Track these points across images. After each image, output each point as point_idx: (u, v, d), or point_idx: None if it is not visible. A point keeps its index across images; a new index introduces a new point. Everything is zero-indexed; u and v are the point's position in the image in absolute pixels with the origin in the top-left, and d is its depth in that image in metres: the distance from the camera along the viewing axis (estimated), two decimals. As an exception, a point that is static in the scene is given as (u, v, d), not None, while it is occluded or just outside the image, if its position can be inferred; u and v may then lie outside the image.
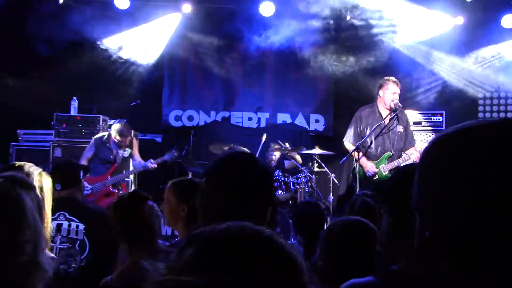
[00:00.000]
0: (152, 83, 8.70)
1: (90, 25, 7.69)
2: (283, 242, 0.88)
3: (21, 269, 1.50)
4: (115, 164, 6.40)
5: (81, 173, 4.26)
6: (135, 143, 6.68)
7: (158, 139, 8.50)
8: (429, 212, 0.92)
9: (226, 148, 7.05)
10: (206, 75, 8.75)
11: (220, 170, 1.69)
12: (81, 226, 3.60)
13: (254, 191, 1.65)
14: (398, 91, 6.05)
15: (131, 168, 6.81)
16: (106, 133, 6.55)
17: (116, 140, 6.40)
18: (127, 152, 6.53)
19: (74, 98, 7.72)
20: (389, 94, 6.03)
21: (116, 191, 6.33)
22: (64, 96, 7.82)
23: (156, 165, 6.46)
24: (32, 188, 1.68)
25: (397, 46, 8.25)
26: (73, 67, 8.25)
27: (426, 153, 0.97)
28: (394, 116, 6.03)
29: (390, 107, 6.01)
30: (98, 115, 7.37)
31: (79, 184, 3.85)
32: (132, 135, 6.79)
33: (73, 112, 7.64)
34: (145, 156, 7.44)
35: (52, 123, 7.42)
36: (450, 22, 7.93)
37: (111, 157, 6.42)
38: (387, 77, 6.18)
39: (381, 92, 6.10)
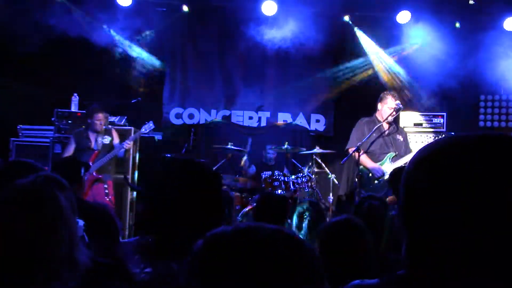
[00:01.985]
0: (153, 80, 8.71)
1: (91, 21, 7.71)
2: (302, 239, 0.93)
3: (59, 266, 1.54)
4: (95, 151, 6.48)
5: (82, 170, 4.30)
6: (115, 133, 6.79)
7: (159, 136, 8.47)
8: (416, 229, 0.95)
9: (227, 146, 7.10)
10: (207, 73, 8.75)
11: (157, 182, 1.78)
12: (81, 223, 3.61)
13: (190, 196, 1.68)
14: (395, 106, 6.17)
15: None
16: (83, 128, 6.69)
17: (95, 123, 6.50)
18: (107, 139, 6.59)
19: (75, 94, 7.75)
20: (386, 108, 6.24)
21: (101, 176, 6.37)
22: (65, 92, 7.85)
23: (131, 142, 6.61)
24: (66, 187, 1.73)
25: (397, 47, 8.27)
26: (73, 63, 8.28)
27: (407, 174, 0.99)
28: (392, 124, 6.22)
29: (387, 120, 6.13)
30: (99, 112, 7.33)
31: (80, 181, 3.89)
32: (111, 127, 6.91)
33: (74, 108, 7.66)
34: (145, 152, 7.50)
35: (52, 119, 7.44)
36: (452, 24, 7.96)
37: (89, 144, 6.51)
38: (387, 91, 6.40)
39: (379, 105, 6.32)
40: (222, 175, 7.24)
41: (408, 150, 6.32)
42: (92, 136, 6.59)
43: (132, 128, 7.45)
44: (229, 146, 7.17)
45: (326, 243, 2.18)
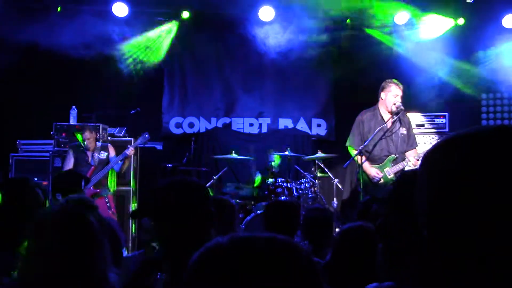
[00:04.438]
0: (152, 90, 8.73)
1: (88, 33, 7.72)
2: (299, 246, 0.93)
3: (96, 285, 1.62)
4: (92, 166, 6.48)
5: (82, 183, 4.30)
6: (112, 148, 6.79)
7: (159, 146, 8.51)
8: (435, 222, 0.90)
9: (229, 155, 7.09)
10: (206, 81, 8.77)
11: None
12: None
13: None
14: (400, 93, 6.02)
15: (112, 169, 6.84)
16: (79, 140, 6.66)
17: (85, 142, 6.56)
18: (103, 154, 6.62)
19: (73, 106, 7.76)
20: (390, 96, 6.01)
21: (98, 190, 6.35)
22: (63, 105, 7.86)
23: (133, 149, 6.56)
24: (95, 208, 1.79)
25: (398, 48, 8.27)
26: (72, 75, 8.31)
27: (426, 161, 0.96)
28: (396, 119, 6.01)
29: (391, 110, 5.98)
30: (97, 123, 7.36)
31: (80, 194, 3.90)
32: (107, 144, 6.91)
33: (72, 121, 7.67)
34: (146, 163, 7.48)
35: (51, 132, 7.44)
36: (451, 23, 7.96)
37: (87, 158, 6.53)
38: (389, 80, 6.18)
39: (383, 95, 6.09)
40: (226, 184, 7.24)
41: (414, 144, 6.18)
42: (88, 151, 6.62)
43: (132, 139, 7.43)
44: (232, 156, 7.15)
45: (341, 250, 2.17)
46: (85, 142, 6.54)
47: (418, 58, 8.03)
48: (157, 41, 8.51)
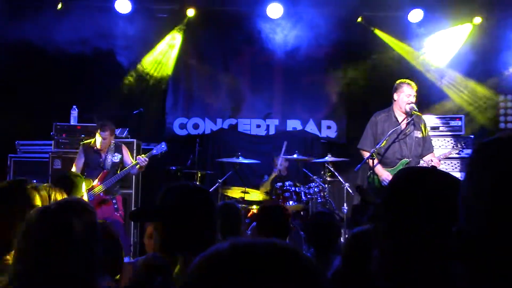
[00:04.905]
0: (155, 90, 8.71)
1: (89, 30, 7.69)
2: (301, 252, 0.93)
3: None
4: (104, 170, 6.32)
5: (83, 186, 4.28)
6: (125, 149, 6.60)
7: (166, 149, 8.42)
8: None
9: (235, 158, 7.05)
10: (211, 80, 8.74)
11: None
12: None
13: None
14: (414, 93, 5.94)
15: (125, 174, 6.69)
16: (93, 139, 6.48)
17: (97, 143, 6.33)
18: (116, 157, 6.43)
19: (74, 106, 7.73)
20: (404, 97, 5.93)
21: (109, 197, 6.25)
22: (64, 105, 7.85)
23: (147, 159, 6.29)
24: (86, 212, 1.78)
25: (408, 57, 8.27)
26: (72, 74, 8.29)
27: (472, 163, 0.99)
28: (410, 121, 5.95)
29: (405, 110, 5.92)
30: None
31: (81, 197, 3.87)
32: (122, 143, 6.76)
33: (73, 121, 7.65)
34: (148, 165, 7.43)
35: (51, 133, 7.44)
36: (467, 30, 7.96)
37: (100, 160, 6.36)
38: (402, 80, 6.12)
39: (395, 96, 6.02)
40: (231, 187, 7.21)
41: (431, 148, 6.08)
42: (101, 153, 6.41)
43: (135, 140, 7.42)
44: (238, 159, 7.12)
45: (351, 255, 2.16)
46: (99, 142, 6.30)
47: (434, 56, 7.99)
48: (161, 39, 8.50)
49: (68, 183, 4.02)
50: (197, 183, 6.76)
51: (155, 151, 6.43)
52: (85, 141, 6.59)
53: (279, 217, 3.89)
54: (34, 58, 7.96)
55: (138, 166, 6.27)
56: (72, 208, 1.77)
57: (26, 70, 8.14)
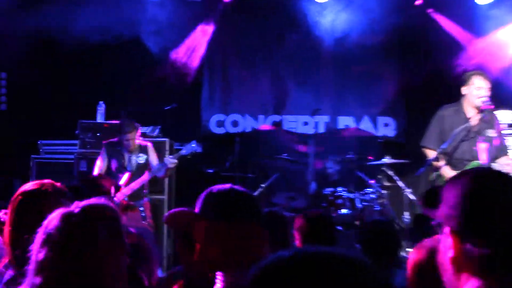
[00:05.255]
0: (190, 83, 8.79)
1: (117, 19, 7.82)
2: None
3: None
4: (128, 172, 6.37)
5: (113, 190, 4.31)
6: (151, 149, 6.62)
7: (198, 149, 8.47)
8: None
9: (280, 160, 7.04)
10: (252, 72, 8.77)
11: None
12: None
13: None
14: (486, 86, 5.79)
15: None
16: (117, 138, 6.58)
17: (124, 143, 6.40)
18: (142, 158, 6.47)
19: (101, 102, 7.84)
20: (474, 90, 5.79)
21: (135, 203, 6.29)
22: (89, 101, 7.96)
23: (176, 161, 6.33)
24: (108, 217, 1.80)
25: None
26: (98, 67, 8.46)
27: None
28: (482, 118, 5.80)
29: (476, 106, 5.78)
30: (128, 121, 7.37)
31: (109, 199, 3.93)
32: (147, 140, 6.84)
33: (100, 118, 7.75)
34: (182, 168, 7.48)
35: (76, 132, 7.55)
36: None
37: (123, 161, 6.43)
38: (472, 71, 5.98)
39: (464, 89, 5.88)
40: (276, 193, 7.19)
41: (505, 149, 5.99)
42: (125, 153, 6.50)
43: (167, 140, 7.48)
44: (283, 160, 7.10)
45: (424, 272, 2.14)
46: (125, 141, 6.36)
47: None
48: (196, 28, 8.60)
49: (96, 188, 4.04)
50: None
51: (184, 151, 6.50)
52: (108, 140, 6.71)
53: (324, 228, 3.88)
54: (56, 50, 8.14)
55: (165, 168, 6.32)
56: (98, 213, 1.78)
57: (47, 64, 8.35)
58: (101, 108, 7.79)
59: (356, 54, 8.38)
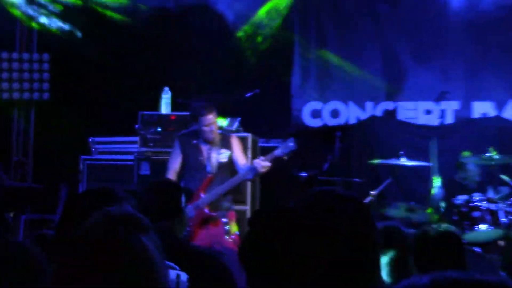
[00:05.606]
0: (276, 62, 8.84)
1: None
2: None
3: None
4: (208, 174, 6.32)
5: (183, 199, 4.37)
6: (236, 142, 6.57)
7: (295, 148, 8.48)
8: None
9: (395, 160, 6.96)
10: (357, 48, 8.79)
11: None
12: (184, 277, 3.65)
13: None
14: None
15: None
16: (192, 128, 6.60)
17: (204, 130, 6.31)
18: (224, 155, 6.41)
19: (166, 89, 7.93)
20: None
21: (217, 214, 6.28)
22: (151, 88, 8.12)
23: (268, 163, 6.19)
24: (146, 228, 1.79)
25: None
26: (161, 45, 8.67)
27: None
28: None
29: None
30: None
31: (180, 214, 3.97)
32: (230, 134, 6.80)
33: (165, 109, 7.85)
34: (266, 172, 7.54)
35: (136, 126, 7.65)
36: None
37: (201, 159, 6.38)
38: None
39: None
40: (391, 203, 7.16)
41: None
42: (204, 147, 6.42)
43: (249, 135, 7.52)
44: (399, 161, 6.99)
45: None
46: (204, 127, 6.28)
47: None
48: (288, 10, 8.75)
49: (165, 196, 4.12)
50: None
51: (279, 151, 6.36)
52: (182, 132, 6.73)
53: (451, 250, 3.84)
54: (107, 25, 8.47)
55: (255, 173, 6.26)
56: (132, 223, 1.76)
57: (97, 43, 8.62)
58: (166, 96, 7.87)
59: (494, 18, 8.30)
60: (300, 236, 1.78)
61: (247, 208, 7.43)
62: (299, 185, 7.60)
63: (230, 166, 6.46)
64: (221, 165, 6.40)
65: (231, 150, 6.45)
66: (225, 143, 6.44)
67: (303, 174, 7.64)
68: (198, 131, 6.39)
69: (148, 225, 1.82)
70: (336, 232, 1.80)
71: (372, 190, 7.07)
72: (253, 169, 6.23)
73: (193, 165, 6.40)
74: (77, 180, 7.79)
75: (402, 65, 8.73)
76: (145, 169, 7.46)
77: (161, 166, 7.16)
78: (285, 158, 6.47)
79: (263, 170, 6.20)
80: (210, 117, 6.27)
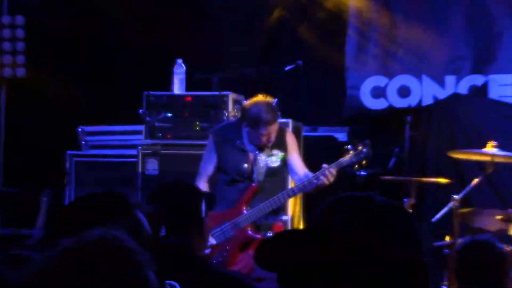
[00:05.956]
0: (325, 28, 8.84)
1: None
2: None
3: None
4: (253, 184, 6.34)
5: (203, 206, 4.26)
6: (292, 140, 6.61)
7: (340, 135, 8.48)
8: None
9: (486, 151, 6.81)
10: (433, 4, 8.78)
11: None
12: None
13: None
14: None
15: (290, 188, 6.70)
16: (233, 121, 6.67)
17: (260, 138, 6.28)
18: (276, 158, 6.42)
19: (179, 61, 7.80)
20: None
21: (259, 236, 6.26)
22: (161, 61, 8.10)
23: (333, 172, 6.17)
24: (131, 260, 1.75)
25: None
26: (174, 5, 8.71)
27: None
28: None
29: None
30: (225, 92, 7.43)
31: (199, 226, 3.99)
32: (284, 126, 6.84)
33: (178, 88, 7.73)
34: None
35: (140, 111, 7.61)
36: None
37: (246, 166, 6.39)
38: None
39: None
40: (481, 211, 7.11)
41: None
42: (250, 149, 6.44)
43: (289, 121, 7.48)
44: (491, 153, 6.85)
45: None
46: (263, 139, 6.25)
47: None
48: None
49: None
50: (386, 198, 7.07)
51: (349, 158, 6.38)
52: (220, 125, 6.80)
53: (491, 264, 4.06)
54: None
55: (315, 185, 6.21)
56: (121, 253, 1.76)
57: (86, 4, 8.68)
58: (179, 70, 7.77)
59: None
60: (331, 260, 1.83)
61: (288, 218, 7.37)
62: (355, 188, 7.51)
63: (282, 171, 6.55)
64: (270, 171, 6.42)
65: (286, 150, 6.45)
66: (278, 141, 6.42)
67: (362, 173, 7.55)
68: (244, 130, 6.39)
69: (142, 263, 1.78)
70: (369, 253, 1.84)
71: (455, 193, 6.98)
72: (314, 178, 6.20)
73: (232, 171, 6.40)
74: (63, 183, 7.80)
75: (494, 25, 8.68)
76: (152, 168, 7.45)
77: (173, 164, 7.32)
78: (358, 166, 6.58)
79: (327, 181, 6.18)
80: (274, 125, 6.26)
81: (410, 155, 7.97)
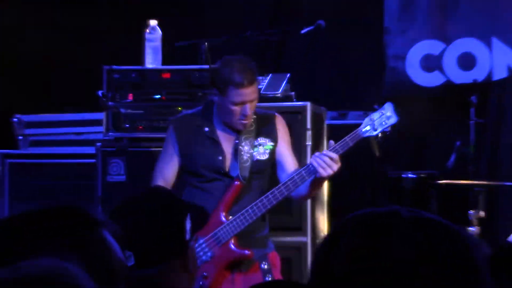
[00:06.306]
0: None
1: None
2: None
3: None
4: (236, 182, 6.35)
5: (188, 225, 4.23)
6: (284, 128, 6.67)
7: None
8: None
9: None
10: None
11: None
12: None
13: None
14: None
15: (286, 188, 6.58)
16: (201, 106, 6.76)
17: (223, 107, 6.34)
18: (264, 149, 6.52)
19: (153, 23, 7.85)
20: None
21: (248, 253, 6.40)
22: (129, 23, 8.51)
23: (333, 156, 6.19)
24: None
25: None
26: None
27: None
28: None
29: None
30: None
31: (182, 253, 4.03)
32: (273, 112, 6.85)
33: (152, 61, 7.78)
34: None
35: (98, 93, 7.55)
36: None
37: (220, 159, 6.44)
38: None
39: None
40: None
41: None
42: (225, 138, 6.47)
43: (308, 104, 7.56)
44: None
45: None
46: (235, 108, 6.26)
47: None
48: None
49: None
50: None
51: (366, 129, 6.53)
52: (184, 114, 6.89)
53: None
54: None
55: (313, 181, 6.35)
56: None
57: None
58: (154, 37, 7.82)
59: None
60: None
61: (307, 239, 7.44)
62: (400, 196, 7.74)
63: (269, 165, 6.61)
64: (257, 166, 6.46)
65: (276, 140, 6.50)
66: (266, 128, 6.55)
67: (409, 175, 7.64)
68: (215, 110, 6.49)
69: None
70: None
71: None
72: (309, 172, 6.24)
73: (203, 169, 6.48)
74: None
75: None
76: (116, 170, 7.39)
77: (146, 166, 7.30)
78: (377, 144, 6.66)
79: (328, 171, 6.16)
80: (249, 90, 6.21)
81: (477, 151, 7.78)
